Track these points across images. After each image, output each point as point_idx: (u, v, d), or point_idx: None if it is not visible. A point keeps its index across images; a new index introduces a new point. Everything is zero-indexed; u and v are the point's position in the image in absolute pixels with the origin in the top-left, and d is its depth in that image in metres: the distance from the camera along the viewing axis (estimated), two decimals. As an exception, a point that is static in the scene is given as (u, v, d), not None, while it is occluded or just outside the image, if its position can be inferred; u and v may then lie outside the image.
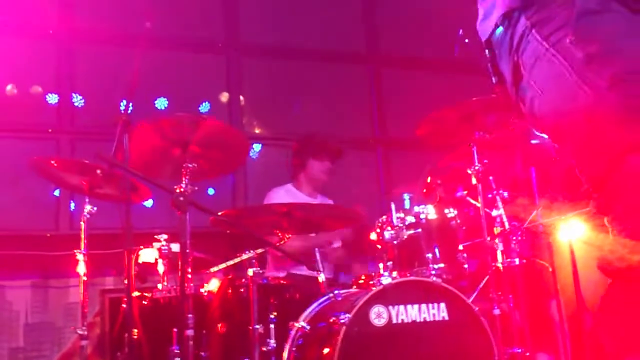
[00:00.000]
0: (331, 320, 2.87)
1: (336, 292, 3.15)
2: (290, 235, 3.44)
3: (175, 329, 3.00)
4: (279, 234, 3.42)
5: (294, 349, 2.99)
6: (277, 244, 3.40)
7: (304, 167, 4.53)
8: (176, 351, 2.95)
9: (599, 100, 1.42)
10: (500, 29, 1.68)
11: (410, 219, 3.42)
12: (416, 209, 3.47)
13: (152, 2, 5.27)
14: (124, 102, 2.97)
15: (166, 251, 3.39)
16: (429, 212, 3.46)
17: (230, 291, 3.31)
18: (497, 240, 3.45)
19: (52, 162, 3.46)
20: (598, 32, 1.47)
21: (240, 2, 5.86)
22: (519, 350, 3.28)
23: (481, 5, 1.80)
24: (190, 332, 2.79)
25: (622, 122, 1.40)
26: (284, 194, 4.45)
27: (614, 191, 1.48)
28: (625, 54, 1.43)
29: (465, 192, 3.70)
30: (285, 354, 3.00)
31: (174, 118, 3.15)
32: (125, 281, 2.92)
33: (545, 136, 1.66)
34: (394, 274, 3.17)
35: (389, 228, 3.34)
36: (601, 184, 1.51)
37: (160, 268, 3.39)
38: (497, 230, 3.48)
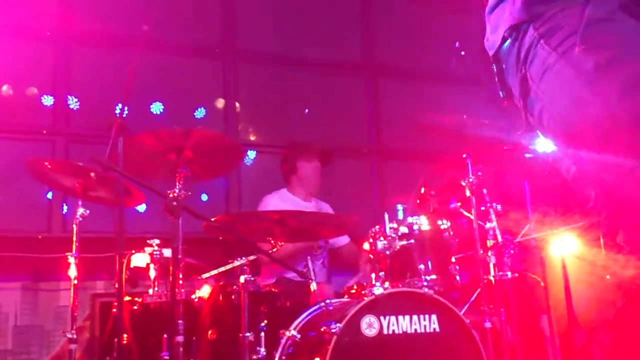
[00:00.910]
0: (322, 330, 2.86)
1: (327, 301, 3.14)
2: (282, 243, 3.43)
3: (165, 335, 2.98)
4: (272, 241, 3.41)
5: (284, 357, 2.98)
6: (270, 250, 3.39)
7: (295, 171, 4.55)
8: (166, 357, 2.93)
9: (610, 109, 1.41)
10: (508, 41, 1.68)
11: (403, 230, 3.42)
12: (409, 219, 3.48)
13: (150, 6, 5.29)
14: (120, 105, 2.97)
15: (158, 256, 3.38)
16: (422, 223, 3.46)
17: (221, 298, 3.30)
18: (489, 253, 3.45)
19: (46, 163, 3.45)
20: (607, 41, 1.46)
21: (238, 8, 5.87)
22: (509, 364, 3.28)
23: (488, 19, 1.80)
24: (180, 338, 2.77)
25: (632, 132, 1.39)
26: (278, 200, 4.45)
27: (624, 204, 1.47)
28: (635, 62, 1.43)
29: (459, 204, 3.71)
30: (275, 363, 2.99)
31: (167, 130, 3.15)
32: (116, 285, 2.91)
33: (553, 148, 1.65)
34: (386, 284, 3.16)
35: (382, 238, 3.34)
36: (611, 196, 1.50)
37: (152, 273, 3.38)
38: (489, 243, 3.48)
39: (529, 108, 1.63)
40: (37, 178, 3.65)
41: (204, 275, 3.44)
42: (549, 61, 1.54)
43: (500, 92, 1.79)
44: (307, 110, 5.95)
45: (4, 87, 5.02)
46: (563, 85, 1.51)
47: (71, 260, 3.27)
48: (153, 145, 3.13)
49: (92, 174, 3.30)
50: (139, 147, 3.14)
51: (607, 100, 1.41)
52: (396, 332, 2.92)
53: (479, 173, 3.56)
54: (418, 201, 3.87)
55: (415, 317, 2.96)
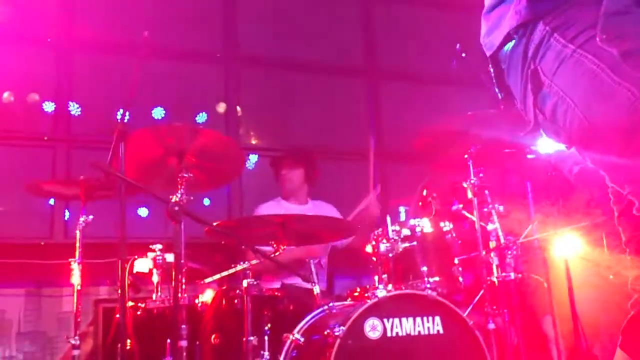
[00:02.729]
0: (325, 333, 2.86)
1: (331, 304, 3.14)
2: (285, 247, 3.43)
3: (168, 340, 2.98)
4: (274, 245, 3.41)
5: (287, 361, 2.98)
6: (272, 255, 3.39)
7: (277, 179, 4.61)
8: (169, 362, 2.93)
9: (638, 98, 1.38)
10: (512, 42, 1.66)
11: (405, 232, 3.41)
12: (412, 222, 3.47)
13: (151, 11, 5.29)
14: (121, 111, 2.97)
15: (160, 261, 3.38)
16: (425, 225, 3.46)
17: (224, 302, 3.30)
18: (492, 255, 3.45)
19: (45, 186, 3.44)
20: (630, 30, 1.43)
21: (239, 13, 5.87)
22: (514, 365, 3.27)
23: (486, 19, 1.78)
24: (183, 343, 2.78)
25: None
26: (274, 206, 4.47)
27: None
28: None
29: (461, 206, 3.70)
30: (278, 366, 2.98)
31: (171, 127, 3.16)
32: (119, 291, 2.90)
33: (565, 145, 1.62)
34: (389, 286, 3.16)
35: (384, 241, 3.34)
36: (622, 195, 1.47)
37: (155, 278, 3.38)
38: (492, 244, 3.48)
39: (540, 104, 1.60)
40: (38, 195, 3.65)
41: (207, 280, 3.44)
42: (565, 53, 1.51)
43: (499, 94, 1.78)
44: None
45: (5, 94, 5.03)
46: (583, 76, 1.48)
47: (74, 266, 3.28)
48: (154, 146, 3.14)
49: (93, 182, 3.30)
50: (140, 150, 3.15)
51: (635, 89, 1.39)
52: (400, 334, 2.91)
53: (481, 175, 3.56)
54: (420, 203, 3.86)
55: (418, 319, 2.96)
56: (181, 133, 3.13)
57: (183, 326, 2.79)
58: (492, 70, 1.76)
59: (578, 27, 1.50)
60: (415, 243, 3.41)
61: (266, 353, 3.01)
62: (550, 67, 1.55)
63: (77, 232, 3.33)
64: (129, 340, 3.14)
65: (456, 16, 5.84)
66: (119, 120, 2.91)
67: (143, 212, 4.42)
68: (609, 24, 1.44)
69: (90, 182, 3.32)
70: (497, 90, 1.76)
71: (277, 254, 3.35)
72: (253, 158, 5.73)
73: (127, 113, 2.92)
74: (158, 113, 5.39)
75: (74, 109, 5.17)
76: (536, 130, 1.67)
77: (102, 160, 2.82)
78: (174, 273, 2.71)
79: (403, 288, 3.28)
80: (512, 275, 3.41)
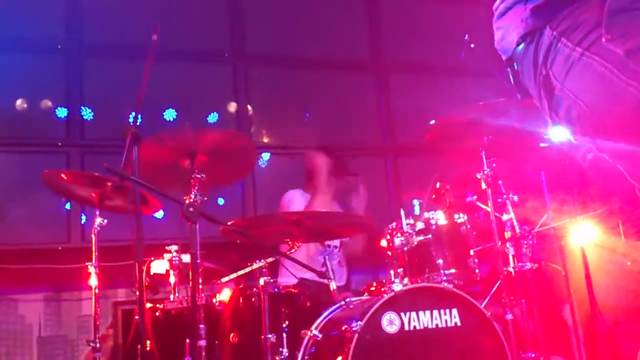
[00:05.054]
0: (343, 328, 2.87)
1: (348, 299, 3.14)
2: (300, 244, 3.44)
3: (187, 340, 3.00)
4: (289, 243, 3.42)
5: (306, 357, 2.99)
6: (288, 252, 3.40)
7: (318, 177, 4.54)
8: (189, 362, 2.95)
9: None
10: (522, 45, 1.66)
11: (420, 225, 3.41)
12: (426, 215, 3.47)
13: (159, 14, 5.31)
14: (133, 114, 2.99)
15: (177, 262, 3.40)
16: (439, 217, 3.46)
17: (241, 301, 3.31)
18: (508, 245, 3.43)
19: (62, 175, 3.48)
20: (634, 28, 1.43)
21: (246, 12, 5.88)
22: (533, 355, 3.26)
23: (497, 25, 1.78)
24: (202, 343, 2.79)
25: None
26: (300, 197, 4.48)
27: None
28: None
29: (475, 197, 3.69)
30: (297, 363, 2.99)
31: (175, 132, 3.19)
32: (137, 293, 2.92)
33: (588, 143, 1.62)
34: (405, 280, 3.16)
35: (399, 234, 3.34)
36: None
37: (172, 279, 3.40)
38: (507, 234, 3.46)
39: (554, 108, 1.61)
40: (54, 190, 3.68)
41: (224, 279, 3.45)
42: (573, 57, 1.51)
43: (518, 95, 1.78)
44: (307, 114, 5.97)
45: (18, 101, 5.07)
46: (592, 78, 1.48)
47: (91, 269, 3.30)
48: (165, 153, 3.16)
49: (109, 184, 3.32)
50: (151, 156, 3.17)
51: None
52: (417, 327, 2.91)
53: (494, 165, 3.54)
54: (434, 196, 3.86)
55: (435, 312, 2.96)
56: (186, 137, 3.15)
57: (201, 326, 2.81)
58: (509, 72, 1.76)
59: (584, 29, 1.50)
60: (430, 236, 3.41)
61: (285, 350, 3.02)
62: (560, 72, 1.55)
63: (93, 235, 3.35)
64: (148, 342, 3.16)
65: (462, 7, 5.82)
66: (131, 124, 2.92)
67: (158, 213, 4.43)
68: (612, 23, 1.44)
69: (104, 182, 3.34)
70: (517, 91, 1.77)
71: (292, 251, 3.36)
72: (265, 156, 5.74)
73: (139, 116, 2.94)
74: (170, 115, 5.41)
75: (87, 113, 5.20)
76: (553, 130, 1.68)
77: (115, 164, 2.84)
78: (190, 273, 2.72)
79: (419, 281, 3.28)
80: (529, 264, 3.40)
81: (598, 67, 1.46)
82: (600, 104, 1.49)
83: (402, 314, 2.90)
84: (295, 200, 4.42)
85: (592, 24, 1.48)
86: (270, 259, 3.24)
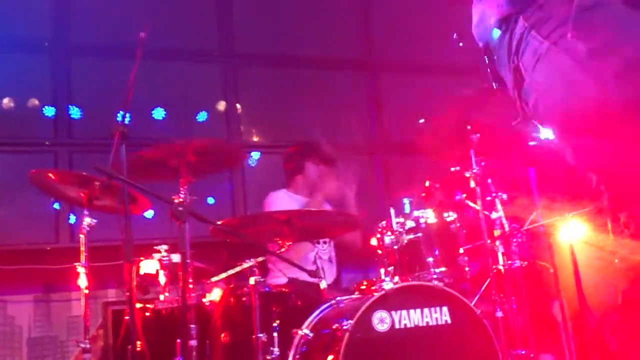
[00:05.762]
0: (334, 327, 2.87)
1: (338, 298, 3.15)
2: (290, 243, 3.43)
3: (178, 340, 2.99)
4: (279, 242, 3.41)
5: (297, 356, 2.99)
6: (278, 251, 3.40)
7: (301, 170, 4.55)
8: (180, 362, 2.94)
9: (607, 92, 1.41)
10: (498, 32, 1.67)
11: (410, 224, 3.42)
12: (415, 213, 3.48)
13: (147, 13, 5.29)
14: (121, 113, 2.97)
15: (167, 262, 3.39)
16: (429, 216, 3.47)
17: (232, 300, 3.31)
18: (497, 243, 3.45)
19: (50, 174, 3.45)
20: (599, 26, 1.46)
21: (235, 10, 5.87)
22: (523, 352, 3.28)
23: (476, 8, 1.80)
24: (193, 343, 2.78)
25: (631, 113, 1.39)
26: (285, 196, 4.47)
27: (630, 186, 1.46)
28: (627, 46, 1.42)
29: (464, 196, 3.70)
30: (289, 362, 2.99)
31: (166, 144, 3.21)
32: (127, 293, 2.91)
33: (552, 137, 1.64)
34: (396, 279, 3.17)
35: (389, 233, 3.35)
36: (615, 179, 1.49)
37: (162, 279, 3.39)
38: (497, 232, 3.48)
39: (524, 98, 1.63)
40: (41, 189, 3.66)
41: (214, 279, 3.45)
42: (540, 50, 1.53)
43: (493, 84, 1.79)
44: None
45: (5, 100, 5.04)
46: (557, 73, 1.51)
47: (80, 270, 3.28)
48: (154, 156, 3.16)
49: (97, 183, 3.30)
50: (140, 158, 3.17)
51: (602, 85, 1.41)
52: (408, 326, 2.92)
53: (483, 163, 3.55)
54: (423, 194, 3.86)
55: (426, 310, 2.97)
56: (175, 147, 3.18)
57: (192, 326, 2.80)
58: (486, 59, 1.77)
59: (553, 23, 1.52)
60: (420, 234, 3.42)
61: (276, 349, 3.02)
62: (529, 63, 1.58)
63: (82, 235, 3.33)
64: (139, 342, 3.15)
65: (455, 5, 5.82)
66: (119, 123, 2.91)
67: (148, 213, 4.41)
68: (579, 20, 1.46)
69: (93, 182, 3.32)
70: (492, 80, 1.78)
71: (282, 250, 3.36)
72: (255, 155, 5.73)
73: (127, 115, 2.93)
74: (158, 114, 5.39)
75: (74, 112, 5.18)
76: (526, 121, 1.69)
77: (104, 163, 2.83)
78: (180, 273, 2.71)
79: (410, 280, 3.28)
80: (518, 262, 3.42)
81: (562, 63, 1.49)
82: (563, 98, 1.51)
83: (393, 313, 2.90)
84: (279, 201, 4.39)
85: (561, 19, 1.51)
86: (260, 258, 3.24)
